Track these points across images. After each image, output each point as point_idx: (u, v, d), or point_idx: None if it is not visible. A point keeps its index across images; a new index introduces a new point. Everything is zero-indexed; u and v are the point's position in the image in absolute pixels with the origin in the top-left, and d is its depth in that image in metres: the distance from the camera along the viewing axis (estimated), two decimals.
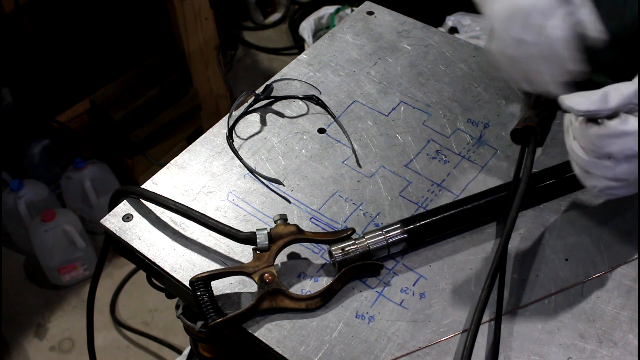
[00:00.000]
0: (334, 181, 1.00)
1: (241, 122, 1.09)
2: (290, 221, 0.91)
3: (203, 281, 0.86)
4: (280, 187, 1.00)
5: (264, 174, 1.01)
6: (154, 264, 0.92)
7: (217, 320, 0.83)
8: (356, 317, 0.86)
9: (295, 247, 0.92)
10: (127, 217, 0.97)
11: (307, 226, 0.95)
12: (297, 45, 2.99)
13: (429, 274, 0.90)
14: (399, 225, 0.90)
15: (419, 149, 1.04)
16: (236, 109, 1.09)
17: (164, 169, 1.03)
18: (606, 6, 0.92)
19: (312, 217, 0.96)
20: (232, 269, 0.88)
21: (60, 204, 2.34)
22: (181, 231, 0.95)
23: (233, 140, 1.05)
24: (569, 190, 0.97)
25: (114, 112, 2.17)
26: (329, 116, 1.09)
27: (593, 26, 0.81)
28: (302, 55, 1.20)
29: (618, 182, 0.75)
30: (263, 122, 1.09)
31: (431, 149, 1.04)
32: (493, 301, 0.85)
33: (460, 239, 0.93)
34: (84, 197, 2.25)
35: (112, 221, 0.96)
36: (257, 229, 0.89)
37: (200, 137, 1.07)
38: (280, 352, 0.82)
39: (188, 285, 0.87)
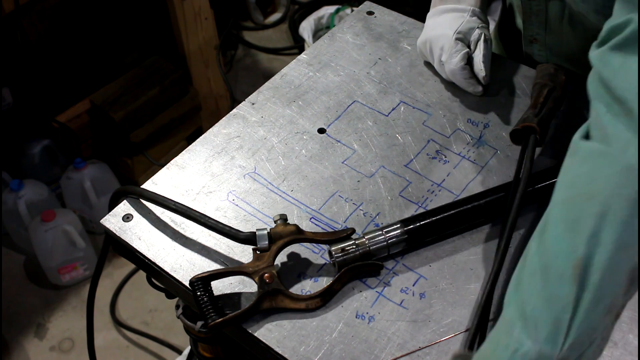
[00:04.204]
0: (334, 181, 1.00)
1: (241, 120, 1.09)
2: (290, 221, 0.91)
3: (203, 281, 0.86)
4: (281, 186, 1.00)
5: (264, 174, 1.01)
6: (154, 264, 0.92)
7: (217, 320, 0.83)
8: (356, 317, 0.85)
9: (295, 247, 0.92)
10: (127, 217, 0.97)
11: (307, 226, 0.95)
12: (297, 45, 2.99)
13: (429, 274, 0.90)
14: (399, 226, 0.90)
15: (419, 149, 1.04)
16: None
17: (164, 169, 1.03)
18: None
19: (312, 217, 0.96)
20: (232, 269, 0.88)
21: (60, 204, 2.33)
22: (181, 231, 0.95)
23: None
24: None
25: (114, 112, 2.17)
26: (329, 115, 1.09)
27: (480, 68, 1.05)
28: (302, 55, 1.20)
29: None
30: (263, 121, 1.09)
31: (431, 149, 1.04)
32: (493, 301, 0.85)
33: (460, 239, 0.93)
34: (84, 197, 2.25)
35: (112, 221, 0.96)
36: (257, 229, 0.89)
37: (200, 137, 1.07)
38: (280, 352, 0.82)
39: (188, 285, 0.87)
